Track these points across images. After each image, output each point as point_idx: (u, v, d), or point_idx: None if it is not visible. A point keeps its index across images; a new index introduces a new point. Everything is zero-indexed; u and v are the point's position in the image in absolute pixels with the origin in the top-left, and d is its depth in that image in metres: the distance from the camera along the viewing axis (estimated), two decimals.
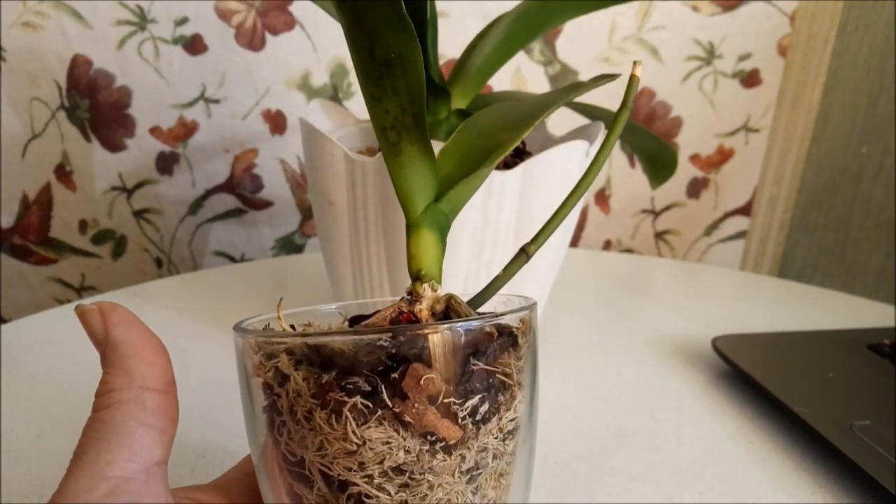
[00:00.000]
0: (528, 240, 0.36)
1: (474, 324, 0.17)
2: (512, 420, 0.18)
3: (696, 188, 0.78)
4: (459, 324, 0.17)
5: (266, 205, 0.73)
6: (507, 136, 0.20)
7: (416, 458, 0.16)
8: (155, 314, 0.50)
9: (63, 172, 0.68)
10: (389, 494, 0.16)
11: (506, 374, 0.17)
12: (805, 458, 0.33)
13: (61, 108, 0.65)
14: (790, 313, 0.54)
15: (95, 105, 0.65)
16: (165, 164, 0.69)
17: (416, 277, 0.20)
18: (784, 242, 0.79)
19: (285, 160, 0.72)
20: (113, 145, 0.67)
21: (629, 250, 0.81)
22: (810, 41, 0.71)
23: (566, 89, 0.22)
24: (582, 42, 0.70)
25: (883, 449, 0.30)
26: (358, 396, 0.16)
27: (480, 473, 0.17)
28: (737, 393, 0.40)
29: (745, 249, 0.82)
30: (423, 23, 0.33)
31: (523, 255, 0.19)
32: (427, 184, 0.20)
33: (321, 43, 0.67)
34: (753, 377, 0.38)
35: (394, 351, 0.16)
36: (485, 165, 0.20)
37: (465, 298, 0.20)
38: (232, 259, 0.76)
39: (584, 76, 0.71)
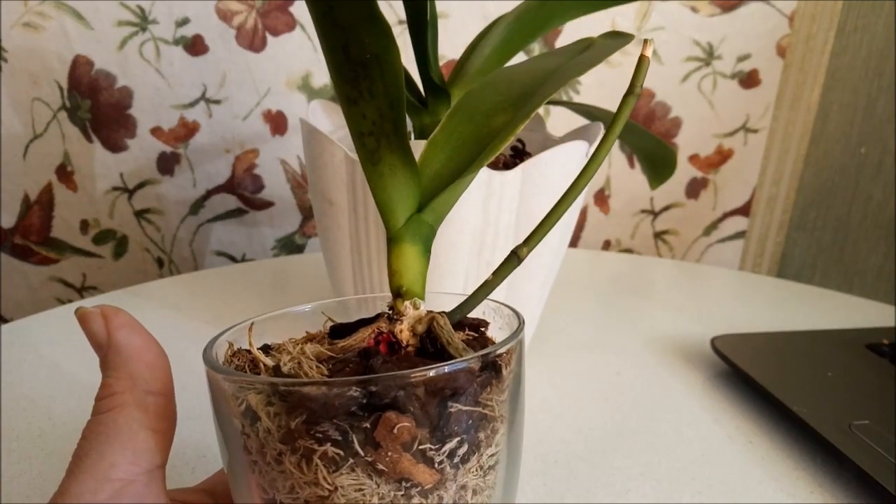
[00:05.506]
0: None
1: (450, 368, 0.15)
2: (493, 455, 0.17)
3: (695, 188, 0.78)
4: (432, 371, 0.15)
5: (267, 205, 0.73)
6: (504, 120, 0.18)
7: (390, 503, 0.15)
8: (156, 314, 0.50)
9: (64, 172, 0.68)
10: None
11: (487, 411, 0.16)
12: (804, 458, 0.33)
13: (62, 108, 0.65)
14: (789, 313, 0.54)
15: (96, 105, 0.66)
16: (166, 164, 0.69)
17: (398, 294, 0.19)
18: (783, 242, 0.80)
19: (286, 161, 0.72)
20: (114, 146, 0.68)
21: (628, 250, 0.81)
22: (809, 42, 0.71)
23: (573, 49, 0.19)
24: None
25: (881, 448, 0.31)
26: (328, 444, 0.15)
27: None
28: (736, 392, 0.40)
29: (744, 249, 0.82)
30: (423, 23, 0.34)
31: (515, 257, 0.18)
32: (409, 194, 0.19)
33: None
34: (752, 377, 0.38)
35: (365, 401, 0.15)
36: (476, 164, 0.17)
37: (455, 303, 0.18)
38: (233, 259, 0.76)
39: (584, 77, 0.71)
